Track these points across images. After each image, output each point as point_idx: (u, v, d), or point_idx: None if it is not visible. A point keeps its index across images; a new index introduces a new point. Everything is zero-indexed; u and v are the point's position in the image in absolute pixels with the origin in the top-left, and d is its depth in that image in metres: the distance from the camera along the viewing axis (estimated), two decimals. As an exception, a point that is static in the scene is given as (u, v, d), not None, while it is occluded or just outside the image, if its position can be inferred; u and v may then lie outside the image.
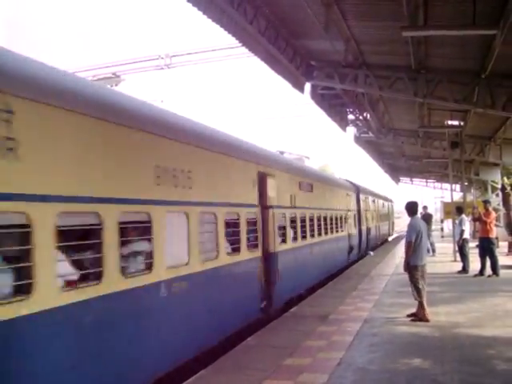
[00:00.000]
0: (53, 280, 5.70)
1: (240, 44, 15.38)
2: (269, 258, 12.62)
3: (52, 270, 5.68)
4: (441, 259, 23.31)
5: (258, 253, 12.08)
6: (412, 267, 11.44)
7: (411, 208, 12.21)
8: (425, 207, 29.30)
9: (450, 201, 30.13)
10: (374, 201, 35.12)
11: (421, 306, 11.36)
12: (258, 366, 8.48)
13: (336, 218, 21.55)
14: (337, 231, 21.61)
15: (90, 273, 6.38)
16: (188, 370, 8.26)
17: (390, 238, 49.79)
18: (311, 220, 17.41)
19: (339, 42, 15.42)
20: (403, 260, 11.96)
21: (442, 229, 45.82)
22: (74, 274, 6.13)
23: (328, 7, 13.11)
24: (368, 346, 9.28)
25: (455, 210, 21.84)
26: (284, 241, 14.08)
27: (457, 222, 20.74)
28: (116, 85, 18.55)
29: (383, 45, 15.66)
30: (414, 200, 12.80)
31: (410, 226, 11.70)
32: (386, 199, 46.85)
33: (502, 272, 17.60)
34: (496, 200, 35.13)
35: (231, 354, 9.28)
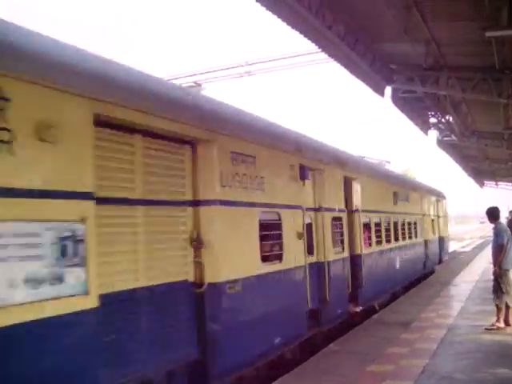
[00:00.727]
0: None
1: (319, 50, 15.42)
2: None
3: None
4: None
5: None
6: (503, 271, 11.14)
7: (492, 213, 11.90)
8: (511, 212, 28.29)
9: (538, 205, 28.97)
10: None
11: (499, 311, 11.15)
12: (341, 371, 8.53)
13: None
14: None
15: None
16: (270, 376, 8.39)
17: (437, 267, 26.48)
18: None
19: (419, 45, 15.19)
20: (491, 265, 11.67)
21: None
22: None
23: (407, 10, 12.98)
24: (453, 354, 9.12)
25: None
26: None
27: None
28: (197, 94, 19.03)
29: (465, 46, 15.31)
30: (495, 205, 12.43)
31: (499, 230, 11.43)
32: (407, 184, 22.76)
33: None
34: None
35: (314, 360, 9.37)
